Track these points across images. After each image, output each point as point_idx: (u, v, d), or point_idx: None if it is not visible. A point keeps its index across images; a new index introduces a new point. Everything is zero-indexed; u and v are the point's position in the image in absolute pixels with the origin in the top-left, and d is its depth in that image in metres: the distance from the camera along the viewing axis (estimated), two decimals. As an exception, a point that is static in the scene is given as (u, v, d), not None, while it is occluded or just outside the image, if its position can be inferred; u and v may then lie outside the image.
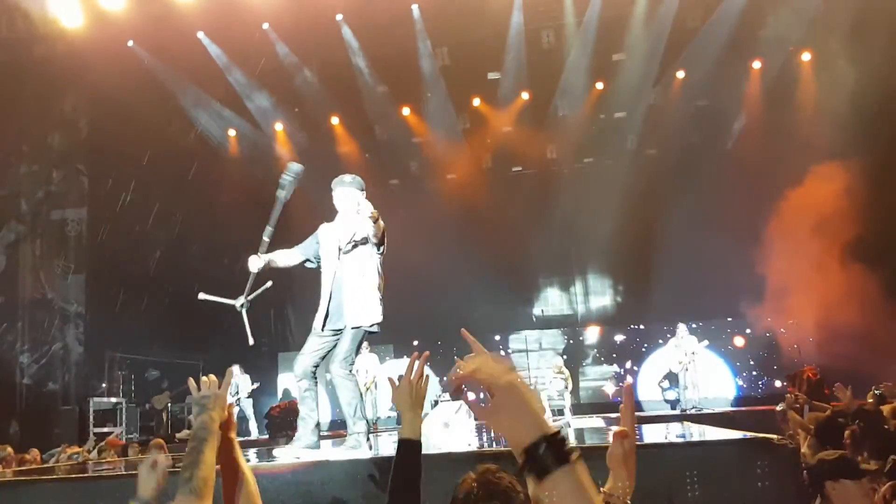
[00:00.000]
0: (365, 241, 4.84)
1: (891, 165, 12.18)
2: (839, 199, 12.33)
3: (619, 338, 16.04)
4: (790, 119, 13.53)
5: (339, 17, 13.25)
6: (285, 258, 5.11)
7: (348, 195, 5.05)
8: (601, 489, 1.80)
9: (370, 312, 4.81)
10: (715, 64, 13.79)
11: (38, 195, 13.05)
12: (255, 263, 4.93)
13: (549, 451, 1.14)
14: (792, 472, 3.28)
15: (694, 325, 14.05)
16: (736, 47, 13.59)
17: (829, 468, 3.18)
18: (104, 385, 12.87)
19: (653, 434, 5.11)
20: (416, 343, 16.17)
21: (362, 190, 5.11)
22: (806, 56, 13.95)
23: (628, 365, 15.73)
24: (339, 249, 4.89)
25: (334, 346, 4.84)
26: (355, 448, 4.61)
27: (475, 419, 5.57)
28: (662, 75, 14.49)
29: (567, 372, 12.71)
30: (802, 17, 12.81)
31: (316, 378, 4.88)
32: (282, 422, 8.80)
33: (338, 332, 4.84)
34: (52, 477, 4.91)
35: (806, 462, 4.34)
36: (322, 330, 4.87)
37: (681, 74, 14.49)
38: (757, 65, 14.17)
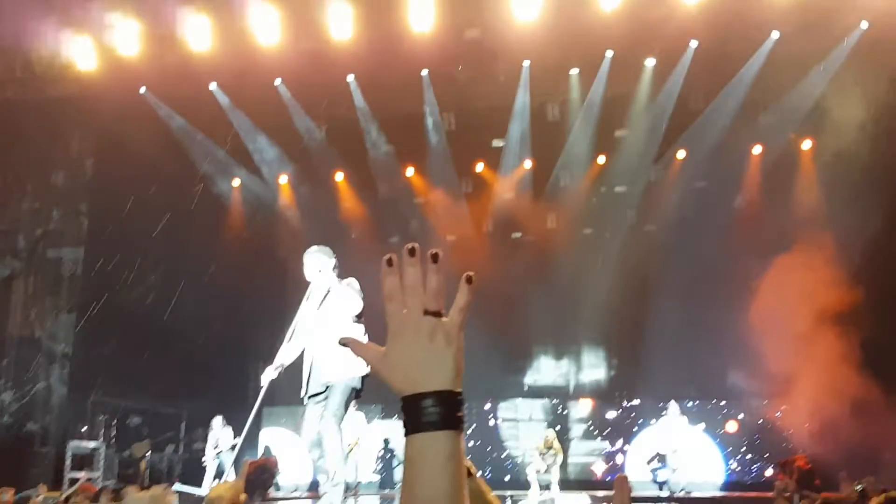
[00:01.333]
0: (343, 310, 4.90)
1: (889, 256, 12.27)
2: (836, 287, 12.36)
3: (610, 413, 15.83)
4: (789, 205, 13.68)
5: (350, 77, 13.51)
6: (290, 354, 5.14)
7: (316, 263, 5.12)
8: None
9: (352, 367, 4.82)
10: (715, 146, 14.02)
11: (36, 232, 13.09)
12: (269, 376, 4.98)
13: (442, 406, 0.98)
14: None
15: (689, 404, 13.92)
16: (737, 131, 13.83)
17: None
18: (84, 428, 12.65)
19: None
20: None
21: (331, 256, 5.18)
22: (806, 144, 14.17)
23: (619, 444, 15.50)
24: (315, 318, 4.95)
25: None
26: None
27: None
28: (663, 153, 14.70)
29: (558, 446, 12.52)
30: (804, 106, 13.07)
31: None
32: (255, 479, 8.59)
33: (320, 394, 4.85)
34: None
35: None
36: (307, 399, 4.91)
37: (681, 154, 14.70)
38: (757, 149, 14.39)
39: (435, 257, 1.05)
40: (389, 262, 1.03)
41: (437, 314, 1.03)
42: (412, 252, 1.04)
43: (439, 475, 0.97)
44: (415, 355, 1.00)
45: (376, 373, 1.02)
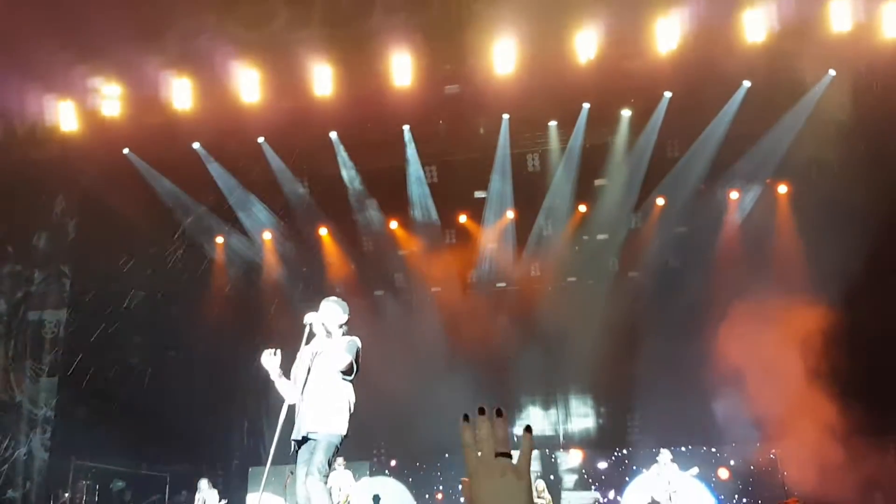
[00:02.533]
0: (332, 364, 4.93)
1: (868, 297, 12.41)
2: (819, 328, 12.47)
3: (601, 462, 15.69)
4: (767, 249, 13.87)
5: (333, 134, 13.68)
6: (285, 391, 5.11)
7: (326, 314, 5.15)
8: None
9: (334, 423, 4.83)
10: (693, 192, 14.26)
11: (17, 295, 12.97)
12: (269, 363, 4.96)
13: None
14: None
15: (682, 449, 13.85)
16: (714, 177, 14.10)
17: None
18: (67, 495, 12.34)
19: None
20: (393, 463, 15.78)
21: (345, 313, 5.22)
22: (782, 188, 14.44)
23: (611, 495, 15.33)
24: (308, 369, 4.96)
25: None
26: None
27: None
28: (643, 201, 14.91)
29: (548, 496, 12.34)
30: (778, 152, 13.35)
31: None
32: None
33: (301, 442, 4.86)
34: None
35: None
36: (296, 448, 4.91)
37: (660, 201, 14.93)
38: (734, 195, 14.64)
39: (500, 412, 1.29)
40: (466, 418, 1.29)
41: (507, 455, 1.25)
42: (482, 412, 1.29)
43: None
44: (493, 490, 1.21)
45: None
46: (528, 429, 1.30)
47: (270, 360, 5.05)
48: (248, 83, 12.04)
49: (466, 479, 1.24)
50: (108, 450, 12.31)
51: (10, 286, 13.02)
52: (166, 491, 14.33)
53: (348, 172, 14.53)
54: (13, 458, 12.21)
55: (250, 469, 15.78)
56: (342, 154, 14.11)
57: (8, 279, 13.04)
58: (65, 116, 12.56)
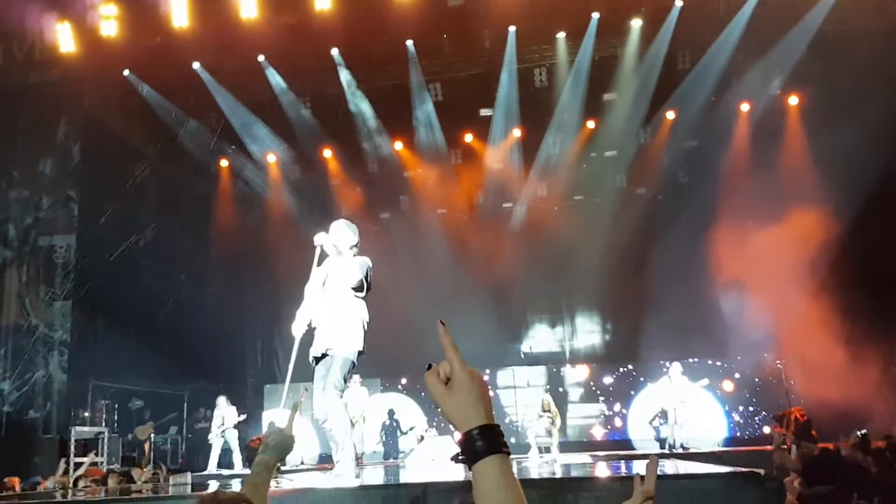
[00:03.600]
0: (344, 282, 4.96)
1: (873, 209, 12.37)
2: (825, 240, 12.46)
3: (607, 377, 15.98)
4: (777, 161, 13.73)
5: (334, 51, 13.39)
6: (308, 313, 5.15)
7: (337, 235, 5.17)
8: None
9: (350, 342, 4.90)
10: (704, 105, 14.02)
11: (26, 221, 13.00)
12: (299, 330, 5.01)
13: (483, 439, 1.24)
14: (780, 505, 3.26)
15: (691, 361, 14.08)
16: (725, 89, 13.84)
17: (818, 503, 3.17)
18: (87, 414, 12.67)
19: (638, 468, 5.06)
20: (403, 381, 16.10)
21: (355, 235, 5.23)
22: (793, 100, 14.20)
23: (617, 407, 15.67)
24: (323, 286, 5.00)
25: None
26: (341, 477, 4.59)
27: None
28: (653, 115, 14.69)
29: (555, 409, 12.62)
30: (789, 62, 13.07)
31: None
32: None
33: (319, 359, 4.94)
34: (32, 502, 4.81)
35: (793, 496, 4.33)
36: (314, 365, 5.00)
37: (671, 115, 14.70)
38: (745, 107, 14.40)
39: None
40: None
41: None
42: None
43: (497, 492, 1.22)
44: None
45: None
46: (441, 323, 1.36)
47: (299, 329, 5.08)
48: (246, -2, 11.75)
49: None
50: (125, 370, 12.57)
51: (19, 212, 13.03)
52: (184, 408, 14.70)
53: (351, 91, 14.29)
54: (33, 380, 12.48)
55: (266, 386, 16.14)
56: (344, 72, 13.84)
57: (16, 205, 13.05)
58: (63, 38, 12.33)
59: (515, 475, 1.25)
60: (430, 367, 1.34)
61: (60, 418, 12.29)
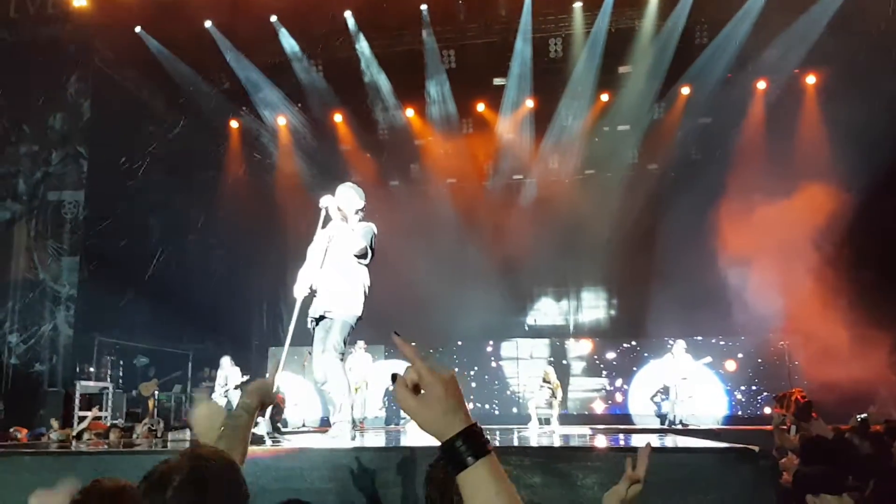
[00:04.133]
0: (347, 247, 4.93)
1: (886, 190, 12.25)
2: (836, 220, 12.37)
3: (610, 352, 16.01)
4: (791, 140, 13.57)
5: (348, 13, 13.25)
6: (310, 276, 5.12)
7: (343, 198, 5.12)
8: None
9: (350, 306, 4.88)
10: (720, 82, 13.84)
11: (36, 175, 13.01)
12: (301, 292, 4.97)
13: (467, 444, 1.19)
14: (773, 483, 3.25)
15: (697, 338, 14.10)
16: (741, 66, 13.64)
17: (811, 482, 3.17)
18: (92, 369, 12.79)
19: (637, 441, 5.08)
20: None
21: (361, 199, 5.17)
22: (811, 78, 14.00)
23: (619, 384, 15.72)
24: (326, 249, 4.97)
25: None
26: (337, 438, 4.61)
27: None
28: (667, 90, 14.51)
29: (556, 381, 12.66)
30: (808, 40, 12.85)
31: None
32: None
33: (317, 320, 4.93)
34: (33, 451, 4.87)
35: (789, 475, 4.33)
36: (314, 326, 4.98)
37: (686, 91, 14.52)
38: (762, 85, 14.20)
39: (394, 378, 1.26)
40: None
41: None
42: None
43: (492, 497, 1.17)
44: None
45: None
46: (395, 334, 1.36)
47: (301, 291, 5.04)
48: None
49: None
50: (131, 328, 12.67)
51: (29, 166, 13.04)
52: (189, 367, 14.83)
53: (364, 56, 14.15)
54: (39, 333, 12.59)
55: (270, 349, 16.25)
56: (357, 36, 13.70)
57: (26, 159, 13.05)
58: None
59: (503, 473, 1.20)
60: (394, 377, 1.26)
61: (66, 372, 12.41)
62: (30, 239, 12.82)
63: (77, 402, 11.72)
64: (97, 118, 13.03)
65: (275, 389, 2.40)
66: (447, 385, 1.23)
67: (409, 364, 1.26)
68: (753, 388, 14.86)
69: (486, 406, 15.85)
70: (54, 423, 10.44)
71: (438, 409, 1.21)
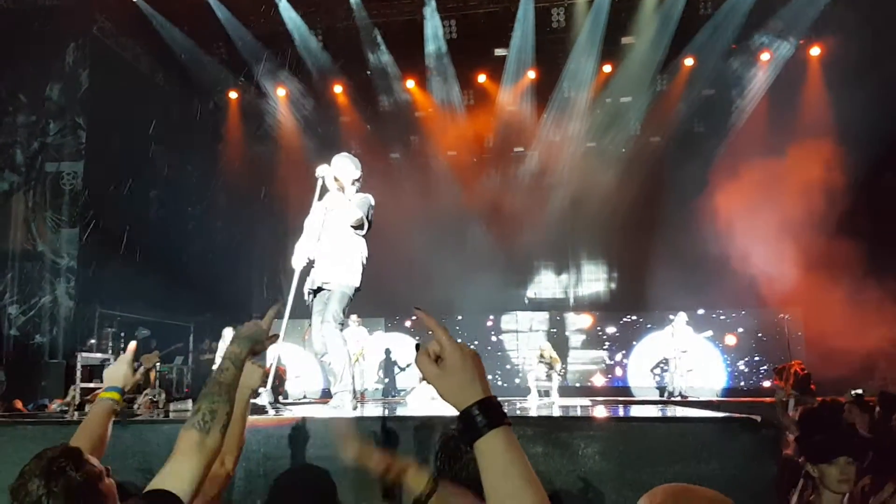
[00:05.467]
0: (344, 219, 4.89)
1: (889, 163, 12.20)
2: (839, 194, 12.32)
3: (609, 325, 16.06)
4: (794, 113, 13.48)
5: (347, -18, 13.09)
6: (308, 248, 5.07)
7: (339, 169, 5.07)
8: None
9: (348, 277, 4.85)
10: (723, 53, 13.71)
11: (33, 146, 12.91)
12: (299, 263, 4.93)
13: (483, 413, 1.21)
14: (773, 452, 3.26)
15: (700, 312, 14.14)
16: (745, 37, 13.51)
17: (810, 452, 3.16)
18: (93, 341, 12.80)
19: (637, 411, 5.11)
20: (408, 323, 16.19)
21: (357, 169, 5.12)
22: (815, 50, 13.86)
23: (618, 357, 15.78)
24: (323, 220, 4.93)
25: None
26: (338, 408, 4.62)
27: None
28: (671, 62, 14.37)
29: (554, 356, 12.70)
30: (813, 11, 12.71)
31: None
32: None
33: (315, 292, 4.91)
34: (34, 421, 4.89)
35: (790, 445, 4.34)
36: (310, 300, 4.96)
37: (689, 62, 14.37)
38: (765, 56, 14.07)
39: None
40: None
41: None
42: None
43: (505, 466, 1.19)
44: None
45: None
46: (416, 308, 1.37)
47: (299, 262, 4.99)
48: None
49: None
50: (132, 299, 12.65)
51: (26, 137, 12.94)
52: (190, 339, 14.85)
53: (364, 26, 13.99)
54: (39, 305, 12.59)
55: (274, 323, 16.24)
56: (357, 4, 13.53)
57: (23, 130, 12.94)
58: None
59: (519, 445, 1.22)
60: (417, 347, 1.31)
61: (67, 344, 12.42)
62: (28, 210, 12.76)
63: (78, 373, 11.74)
64: (95, 88, 12.91)
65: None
66: (468, 356, 1.27)
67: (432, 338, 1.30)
68: (756, 358, 14.90)
69: (490, 377, 15.94)
70: (73, 392, 10.54)
71: (458, 378, 1.25)
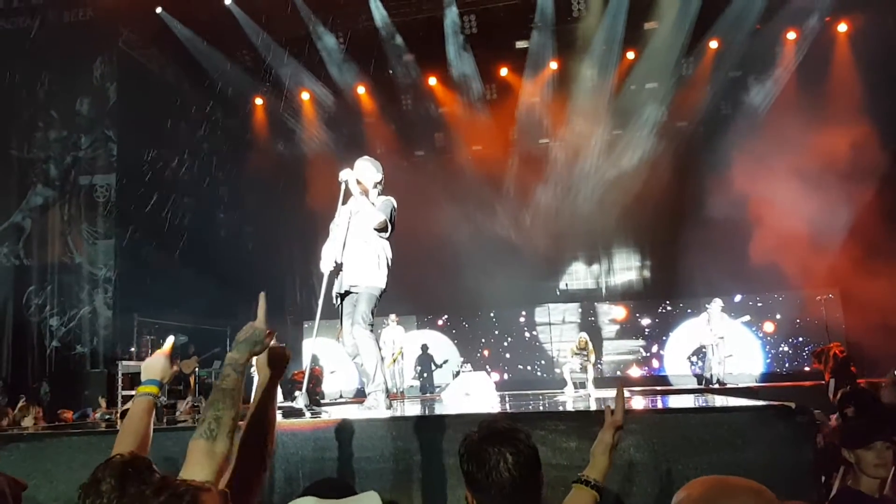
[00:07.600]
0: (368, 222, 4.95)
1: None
2: (871, 173, 12.09)
3: (642, 316, 15.93)
4: (824, 91, 13.22)
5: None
6: (334, 251, 5.14)
7: (361, 172, 5.13)
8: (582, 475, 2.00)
9: (374, 278, 4.92)
10: (749, 34, 13.48)
11: (66, 160, 13.19)
12: (327, 266, 5.01)
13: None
14: (809, 439, 3.23)
15: (736, 299, 13.96)
16: (771, 16, 13.27)
17: (847, 436, 3.12)
18: (132, 349, 13.05)
19: (672, 401, 5.08)
20: (439, 322, 16.22)
21: (378, 172, 5.18)
22: (842, 27, 13.58)
23: (654, 349, 15.66)
24: (348, 224, 5.00)
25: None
26: (373, 408, 4.67)
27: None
28: (696, 45, 14.17)
29: (591, 347, 12.64)
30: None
31: None
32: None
33: (343, 295, 4.97)
34: (77, 431, 5.01)
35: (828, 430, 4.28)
36: (339, 303, 5.03)
37: (714, 44, 14.17)
38: (792, 35, 13.82)
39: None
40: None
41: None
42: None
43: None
44: None
45: None
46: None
47: (327, 266, 5.06)
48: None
49: None
50: (168, 306, 12.86)
51: (59, 152, 13.23)
52: (227, 343, 15.04)
53: (384, 25, 14.02)
54: (79, 316, 12.86)
55: (305, 324, 16.43)
56: (378, 5, 13.57)
57: (56, 145, 13.24)
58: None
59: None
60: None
61: (107, 353, 12.68)
62: (64, 223, 13.05)
63: (119, 381, 11.96)
64: (123, 101, 13.14)
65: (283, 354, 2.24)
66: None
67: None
68: (798, 340, 14.68)
69: (529, 368, 15.99)
70: (101, 402, 10.71)
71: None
